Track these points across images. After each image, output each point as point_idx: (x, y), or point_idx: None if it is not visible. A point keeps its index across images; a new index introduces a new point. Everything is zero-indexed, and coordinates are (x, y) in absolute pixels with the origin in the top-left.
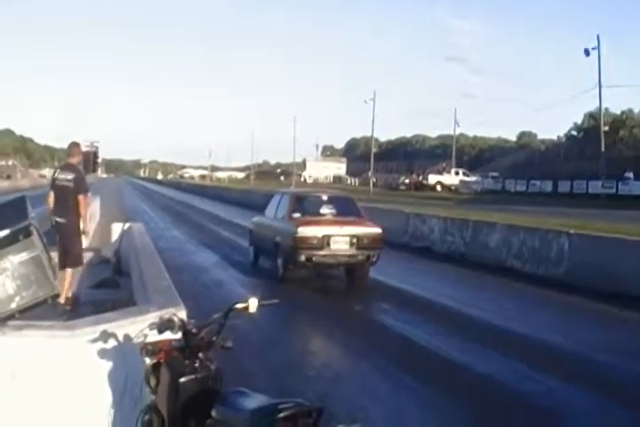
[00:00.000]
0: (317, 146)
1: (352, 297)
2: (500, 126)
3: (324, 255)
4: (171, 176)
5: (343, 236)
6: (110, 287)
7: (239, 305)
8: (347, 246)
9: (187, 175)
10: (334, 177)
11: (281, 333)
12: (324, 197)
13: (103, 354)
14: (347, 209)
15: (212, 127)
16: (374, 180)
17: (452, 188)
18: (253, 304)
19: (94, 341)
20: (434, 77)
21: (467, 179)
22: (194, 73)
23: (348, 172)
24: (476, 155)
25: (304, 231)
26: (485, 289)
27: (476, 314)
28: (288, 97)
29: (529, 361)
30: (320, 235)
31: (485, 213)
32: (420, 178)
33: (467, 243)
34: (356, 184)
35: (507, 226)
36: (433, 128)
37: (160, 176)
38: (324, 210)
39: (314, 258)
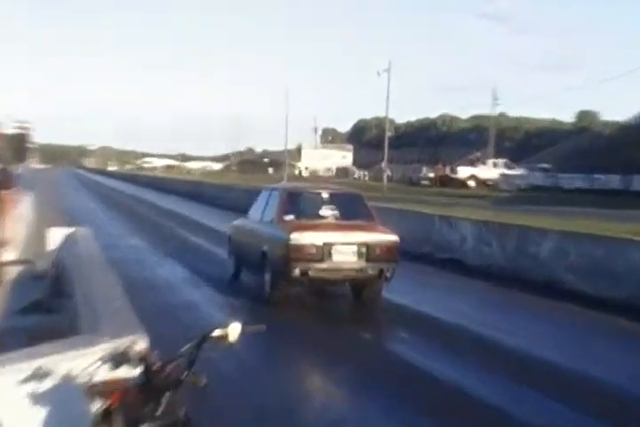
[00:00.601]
0: (316, 129)
1: (360, 323)
2: (553, 105)
3: (325, 269)
4: (128, 167)
5: (349, 244)
6: (45, 311)
7: (216, 333)
8: (354, 258)
9: (148, 166)
10: (338, 169)
11: (269, 369)
12: (325, 195)
13: (37, 398)
14: (353, 210)
15: (182, 105)
16: (389, 173)
17: (490, 183)
18: (234, 331)
19: (25, 381)
20: (465, 41)
21: (509, 172)
22: (158, 36)
23: (356, 162)
24: (520, 141)
25: (299, 238)
26: (535, 315)
27: (524, 349)
28: (279, 68)
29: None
30: (319, 243)
31: (533, 215)
32: (448, 171)
33: (508, 254)
34: (366, 178)
35: (561, 233)
36: (465, 107)
37: (113, 167)
38: (325, 211)
39: (311, 272)
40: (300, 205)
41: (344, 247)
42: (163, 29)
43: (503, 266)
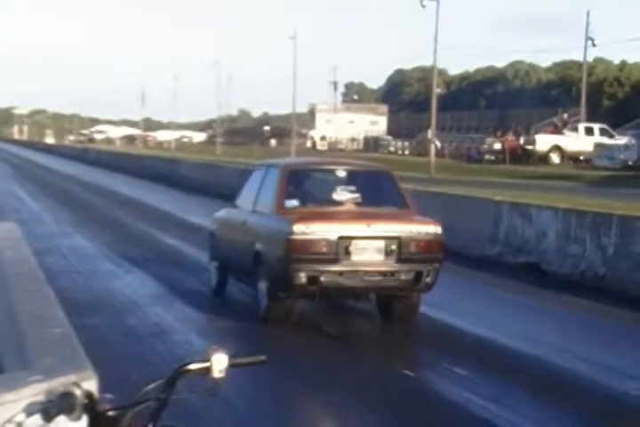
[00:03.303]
0: (336, 84)
1: (393, 352)
2: None
3: (341, 273)
4: (72, 138)
5: (374, 238)
6: None
7: (194, 366)
8: (380, 257)
9: (101, 137)
10: (366, 139)
11: (267, 420)
12: (341, 172)
13: None
14: (380, 193)
15: (148, 53)
16: (438, 144)
17: (581, 158)
18: (219, 363)
19: None
20: None
21: (608, 141)
22: None
23: (392, 130)
24: (625, 98)
25: (304, 231)
26: None
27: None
28: (283, 3)
29: None
30: (333, 237)
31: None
32: (522, 140)
33: (608, 257)
34: (406, 152)
35: None
36: (544, 50)
37: (51, 139)
38: (341, 194)
39: (322, 278)
40: (306, 186)
41: (367, 243)
42: None
43: (601, 274)
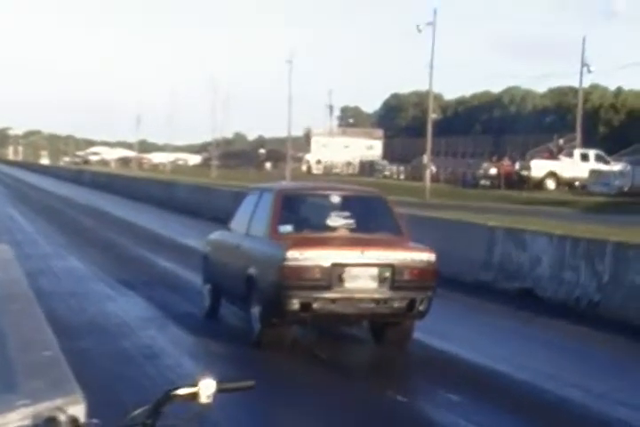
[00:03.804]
0: (332, 108)
1: (385, 377)
2: None
3: (334, 300)
4: (67, 159)
5: (368, 265)
6: None
7: (182, 391)
8: (374, 284)
9: (95, 158)
10: (362, 163)
11: None
12: (335, 198)
13: None
14: (374, 218)
15: (144, 74)
16: (433, 169)
17: (577, 184)
18: (207, 389)
19: None
20: None
21: (603, 168)
22: None
23: (387, 155)
24: (621, 124)
25: (298, 257)
26: None
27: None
28: (279, 26)
29: None
30: (327, 264)
31: (636, 230)
32: (517, 166)
33: (603, 284)
34: (401, 177)
35: None
36: (540, 77)
37: (46, 160)
38: (335, 220)
39: (315, 305)
40: (300, 211)
41: (361, 270)
42: None
43: (595, 300)
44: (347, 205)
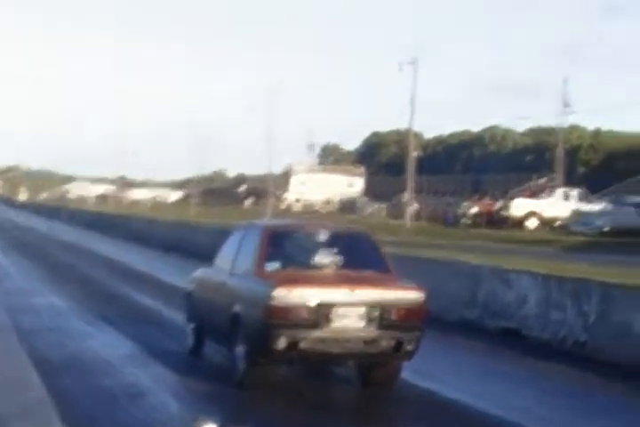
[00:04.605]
0: (312, 146)
1: (370, 418)
2: None
3: (322, 340)
4: (45, 196)
5: (355, 305)
6: None
7: None
8: (361, 323)
9: (74, 194)
10: (343, 201)
11: None
12: (322, 235)
13: None
14: (361, 256)
15: (123, 111)
16: (415, 207)
17: (558, 223)
18: None
19: None
20: (526, 21)
21: (585, 207)
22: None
23: (368, 192)
24: (601, 164)
25: (285, 295)
26: (632, 421)
27: None
28: (260, 63)
29: None
30: (314, 302)
31: (623, 269)
32: (498, 205)
33: (590, 324)
34: (383, 214)
35: None
36: (521, 117)
37: (24, 196)
38: (322, 257)
39: (302, 344)
40: (286, 249)
41: (348, 309)
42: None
43: (582, 341)
44: (333, 242)
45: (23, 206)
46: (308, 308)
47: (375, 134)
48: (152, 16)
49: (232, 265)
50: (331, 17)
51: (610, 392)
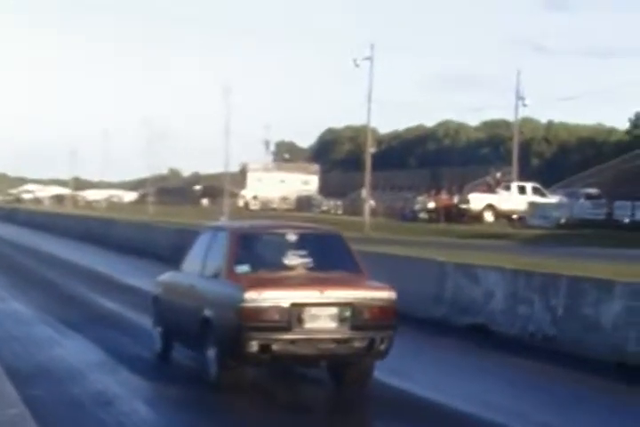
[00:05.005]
0: (267, 143)
1: (343, 417)
2: (601, 105)
3: (294, 341)
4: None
5: (327, 305)
6: None
7: None
8: (333, 324)
9: (28, 196)
10: (299, 199)
11: None
12: (292, 236)
13: None
14: (332, 256)
15: (76, 110)
16: (372, 203)
17: (514, 216)
18: None
19: None
20: (477, 15)
21: (541, 200)
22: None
23: (323, 189)
24: (554, 156)
25: (256, 298)
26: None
27: None
28: (215, 62)
29: None
30: (286, 304)
31: (582, 262)
32: (455, 199)
33: (557, 318)
34: (338, 211)
35: (633, 286)
36: (474, 110)
37: None
38: (292, 259)
39: (275, 347)
40: (256, 251)
41: (320, 310)
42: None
43: (551, 335)
44: (304, 243)
45: None
46: (280, 310)
47: (330, 131)
48: (104, 14)
49: (201, 268)
50: (286, 14)
51: (579, 386)
